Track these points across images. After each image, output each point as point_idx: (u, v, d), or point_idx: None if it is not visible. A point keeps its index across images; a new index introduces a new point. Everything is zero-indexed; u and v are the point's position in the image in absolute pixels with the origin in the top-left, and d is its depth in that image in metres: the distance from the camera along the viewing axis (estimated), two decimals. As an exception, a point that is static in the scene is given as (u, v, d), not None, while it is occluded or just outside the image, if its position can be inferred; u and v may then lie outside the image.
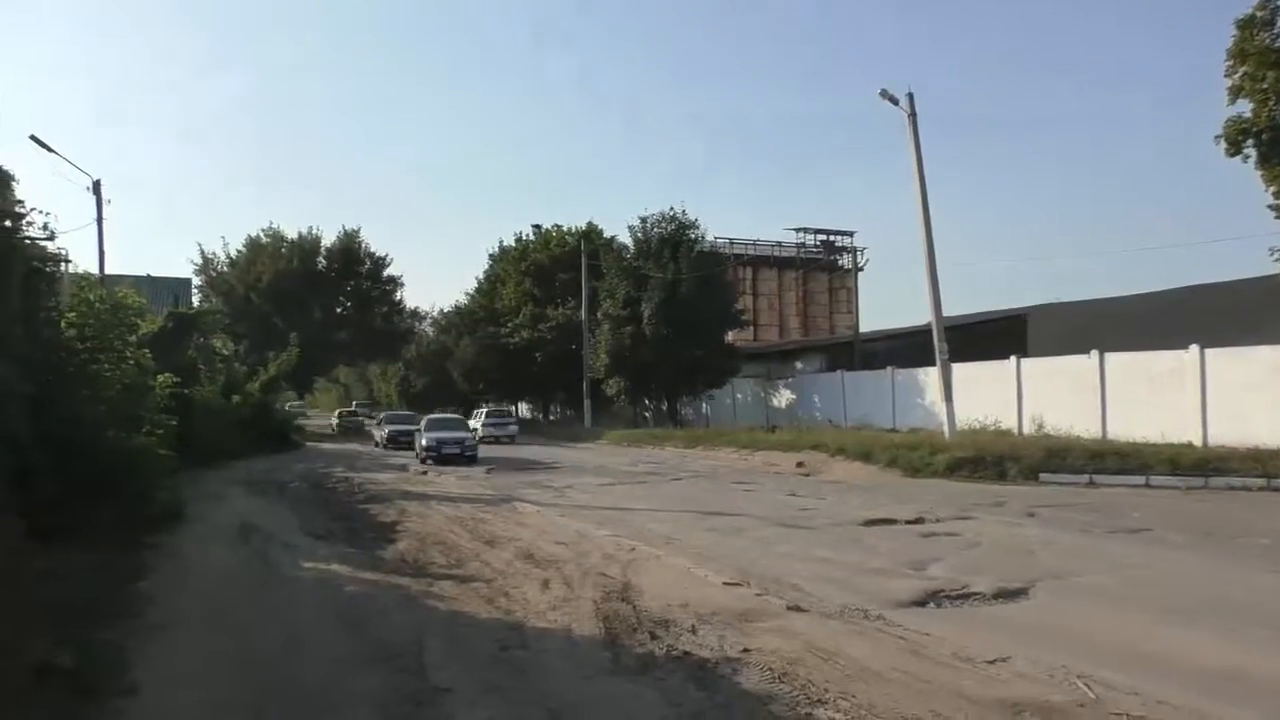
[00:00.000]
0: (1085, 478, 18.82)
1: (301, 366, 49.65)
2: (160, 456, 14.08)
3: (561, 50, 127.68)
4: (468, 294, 62.13)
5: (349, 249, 59.26)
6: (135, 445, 13.02)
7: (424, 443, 30.54)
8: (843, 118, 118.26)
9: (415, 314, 67.26)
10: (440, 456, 29.43)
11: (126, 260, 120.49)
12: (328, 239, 59.14)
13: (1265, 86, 17.25)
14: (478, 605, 8.93)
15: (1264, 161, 17.79)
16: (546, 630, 7.96)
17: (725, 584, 9.57)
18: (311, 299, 56.11)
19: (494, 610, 8.71)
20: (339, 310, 60.20)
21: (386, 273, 61.25)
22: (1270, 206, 17.97)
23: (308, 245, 58.15)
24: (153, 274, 42.94)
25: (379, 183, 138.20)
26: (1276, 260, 18.51)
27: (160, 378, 16.38)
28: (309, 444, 40.40)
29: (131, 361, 14.00)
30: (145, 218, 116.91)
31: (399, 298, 62.82)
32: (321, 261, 58.84)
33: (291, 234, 58.34)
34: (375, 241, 68.17)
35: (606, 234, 50.70)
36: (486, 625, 8.19)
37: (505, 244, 57.99)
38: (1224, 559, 10.90)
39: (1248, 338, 22.74)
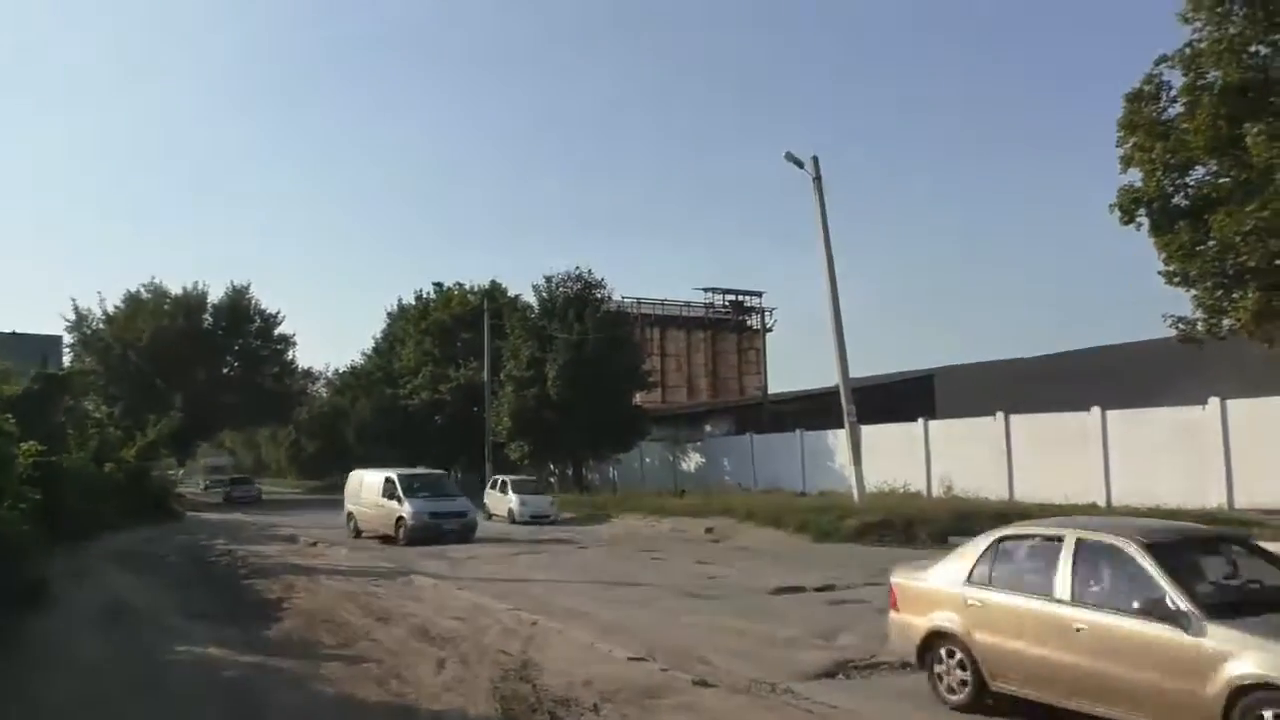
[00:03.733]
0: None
1: (184, 430, 47.64)
2: (21, 532, 13.02)
3: (464, 104, 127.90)
4: (364, 354, 60.84)
5: (237, 306, 56.53)
6: (-6, 520, 12.03)
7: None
8: (750, 178, 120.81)
9: (308, 374, 65.00)
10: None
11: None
12: (214, 295, 56.16)
13: (1154, 157, 18.04)
14: (368, 688, 8.45)
15: (1155, 230, 18.51)
16: (440, 713, 7.60)
17: (630, 659, 9.25)
18: (196, 358, 52.96)
19: (385, 693, 8.26)
20: (225, 370, 56.99)
21: (278, 331, 58.20)
22: (1161, 273, 18.66)
23: (192, 301, 55.05)
24: (19, 331, 40.31)
25: (269, 237, 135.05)
26: (1170, 325, 19.16)
27: (24, 446, 15.26)
28: (190, 514, 38.43)
29: (-8, 428, 13.02)
30: (10, 270, 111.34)
31: (290, 357, 59.83)
32: (207, 319, 55.77)
33: (175, 289, 55.44)
34: (266, 298, 65.04)
35: (510, 293, 50.32)
36: (376, 710, 7.78)
37: (404, 302, 56.95)
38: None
39: (1149, 399, 23.47)
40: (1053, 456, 23.22)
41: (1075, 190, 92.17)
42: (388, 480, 25.10)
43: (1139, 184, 18.55)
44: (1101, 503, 21.13)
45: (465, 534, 23.93)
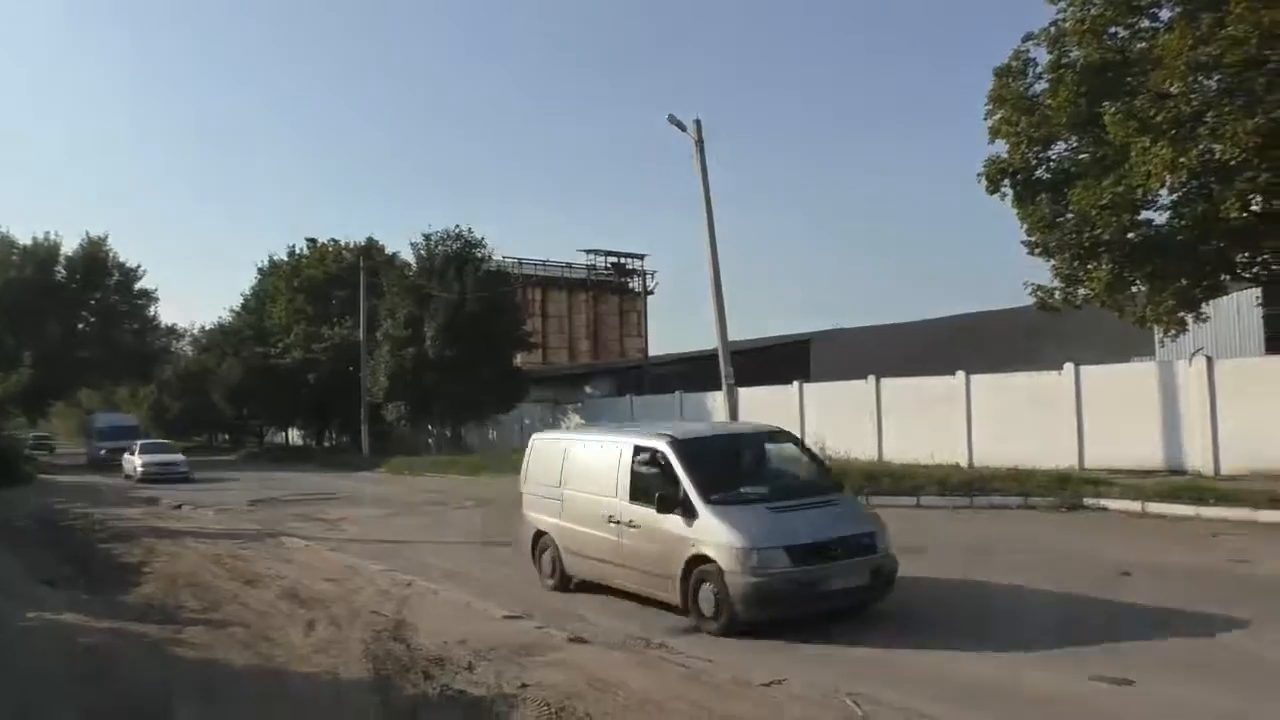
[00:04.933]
0: (862, 498, 19.58)
1: (36, 388, 45.19)
2: None
3: (340, 60, 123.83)
4: (232, 311, 58.40)
5: (93, 258, 53.23)
6: None
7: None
8: (633, 139, 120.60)
9: (172, 331, 61.79)
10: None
11: None
12: (68, 246, 52.90)
13: (1019, 130, 18.64)
14: (234, 652, 8.25)
15: (1019, 201, 19.20)
16: (311, 675, 7.47)
17: (506, 617, 9.25)
18: (48, 312, 49.77)
19: (253, 656, 8.08)
20: (81, 326, 53.96)
21: (139, 285, 55.38)
22: (1023, 242, 19.39)
23: (42, 253, 51.64)
24: None
25: (130, 186, 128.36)
26: (1030, 294, 19.97)
27: None
28: (44, 476, 36.39)
29: None
30: None
31: (153, 313, 56.90)
32: (60, 272, 52.58)
33: (24, 239, 52.19)
34: (125, 251, 61.39)
35: (388, 250, 49.07)
36: (243, 674, 7.61)
37: (276, 258, 54.80)
38: (988, 574, 11.46)
39: (1013, 364, 24.48)
40: (920, 419, 24.06)
41: (950, 160, 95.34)
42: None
43: (1005, 156, 19.21)
44: (964, 463, 22.04)
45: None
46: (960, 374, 23.71)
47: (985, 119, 19.48)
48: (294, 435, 60.59)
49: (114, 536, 16.97)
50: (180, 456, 37.22)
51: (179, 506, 23.35)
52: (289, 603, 10.28)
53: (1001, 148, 19.25)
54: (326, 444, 55.68)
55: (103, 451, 44.06)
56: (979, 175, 19.60)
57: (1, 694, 7.13)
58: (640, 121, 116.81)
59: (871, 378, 26.04)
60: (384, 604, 10.01)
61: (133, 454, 36.38)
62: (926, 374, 25.39)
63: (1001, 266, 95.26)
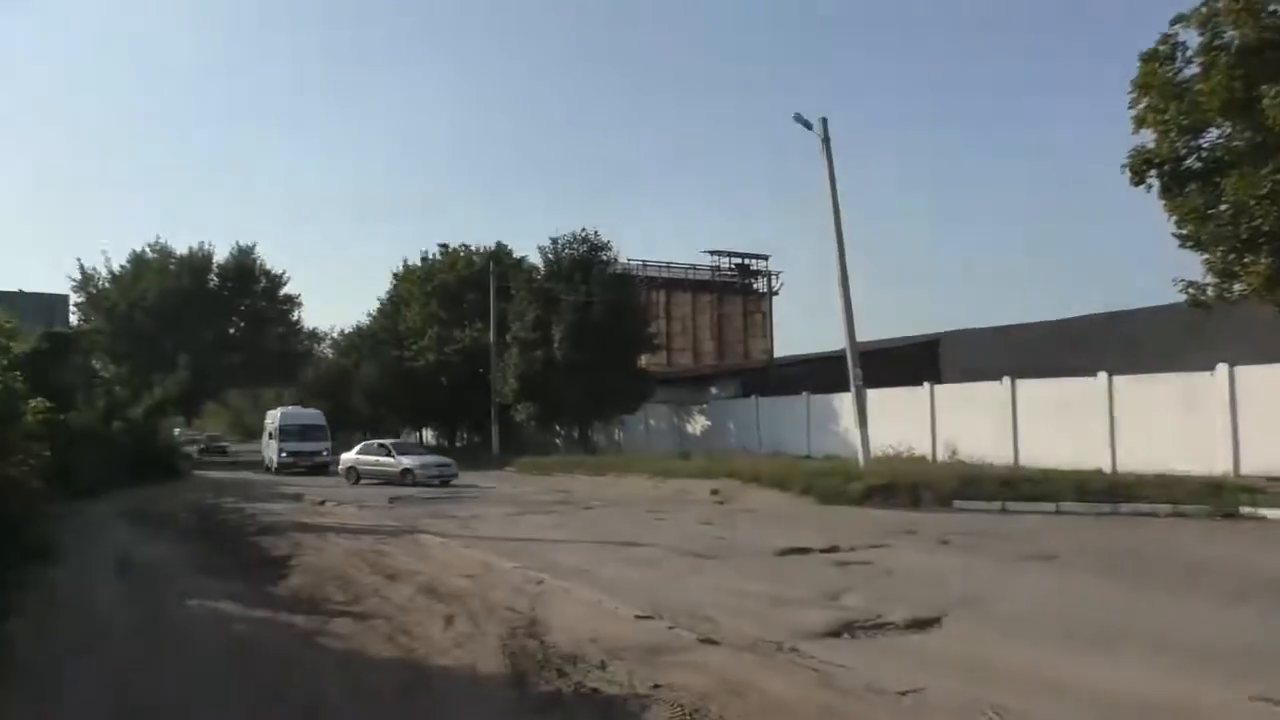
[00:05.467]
0: (998, 505, 19.00)
1: (191, 390, 47.67)
2: (30, 488, 13.08)
3: (470, 64, 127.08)
4: (370, 315, 60.65)
5: (243, 266, 56.67)
6: (1, 476, 12.06)
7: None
8: (760, 139, 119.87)
9: (314, 335, 64.95)
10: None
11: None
12: (220, 255, 56.51)
13: (1167, 118, 17.82)
14: (377, 644, 8.52)
15: (1166, 192, 18.36)
16: (449, 669, 7.65)
17: (637, 617, 9.27)
18: (201, 319, 52.98)
19: (394, 649, 8.32)
20: (231, 331, 57.16)
21: (283, 291, 58.66)
22: (1174, 235, 18.51)
23: (198, 262, 55.22)
24: (24, 289, 40.23)
25: (277, 198, 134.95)
26: (1180, 290, 19.05)
27: (32, 403, 15.26)
28: (198, 472, 38.63)
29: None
30: (16, 229, 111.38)
31: (296, 318, 60.26)
32: (213, 279, 56.00)
33: (181, 249, 55.57)
34: (272, 258, 65.07)
35: (516, 255, 50.14)
36: (385, 665, 7.82)
37: (410, 263, 56.68)
38: (1132, 586, 10.97)
39: (1158, 365, 23.40)
40: (1059, 422, 23.20)
41: (1089, 150, 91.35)
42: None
43: (1151, 145, 18.35)
44: (1107, 468, 21.13)
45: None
46: (1102, 375, 22.73)
47: (1130, 107, 18.70)
48: (427, 435, 62.41)
49: (263, 530, 17.82)
50: (447, 459, 32.90)
51: (322, 503, 24.37)
52: (427, 598, 10.55)
53: (1147, 137, 18.46)
54: (458, 444, 57.21)
55: (284, 454, 39.20)
56: (1123, 166, 18.80)
57: (166, 675, 7.59)
58: (765, 120, 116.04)
59: (1007, 379, 25.22)
60: (518, 601, 10.19)
61: (390, 454, 31.90)
62: (1064, 375, 24.42)
63: (1145, 262, 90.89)
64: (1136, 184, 18.64)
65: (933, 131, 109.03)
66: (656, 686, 6.83)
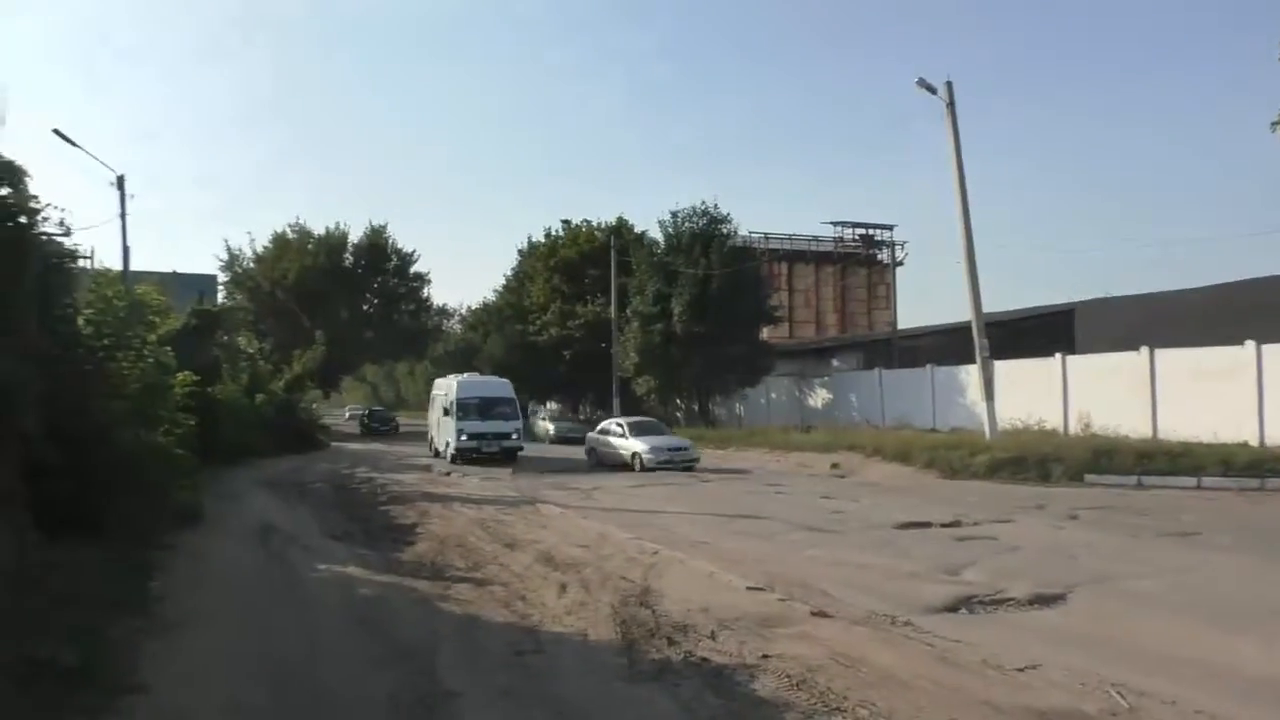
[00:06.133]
0: (1134, 479, 18.22)
1: (328, 365, 49.62)
2: (177, 456, 13.90)
3: (591, 42, 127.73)
4: (496, 291, 61.69)
5: (376, 245, 58.77)
6: (151, 444, 12.85)
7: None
8: (881, 105, 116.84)
9: (443, 311, 66.73)
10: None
11: (158, 256, 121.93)
12: (355, 235, 58.68)
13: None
14: (494, 608, 8.76)
15: (1316, 149, 17.13)
16: (562, 635, 7.80)
17: (749, 589, 9.27)
18: (338, 296, 55.43)
19: (510, 614, 8.53)
20: (365, 308, 59.35)
21: (414, 269, 60.64)
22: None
23: (334, 241, 57.51)
24: (179, 270, 42.56)
25: (408, 177, 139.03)
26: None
27: (180, 376, 16.18)
28: (334, 444, 40.26)
29: (151, 359, 13.83)
30: (177, 212, 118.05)
31: (426, 295, 62.21)
32: (348, 258, 58.23)
33: (318, 230, 57.93)
34: (403, 237, 67.64)
35: (637, 229, 50.22)
36: (501, 629, 8.03)
37: (534, 240, 57.39)
38: (1276, 564, 10.39)
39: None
40: (1200, 393, 21.91)
41: (1233, 108, 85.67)
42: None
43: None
44: (1254, 441, 19.92)
45: None
46: (1250, 344, 21.37)
47: (1280, 59, 17.42)
48: (551, 408, 63.51)
49: (392, 499, 18.49)
50: (684, 441, 28.02)
51: (449, 473, 25.13)
52: (544, 566, 10.78)
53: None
54: (581, 417, 58.04)
55: (464, 437, 28.95)
56: (1274, 124, 17.58)
57: (297, 634, 7.98)
58: (887, 84, 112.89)
59: (1144, 349, 24.00)
60: (632, 570, 10.31)
61: (625, 434, 27.54)
62: (1207, 344, 23.09)
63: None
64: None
65: (1066, 90, 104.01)
66: (765, 657, 6.83)
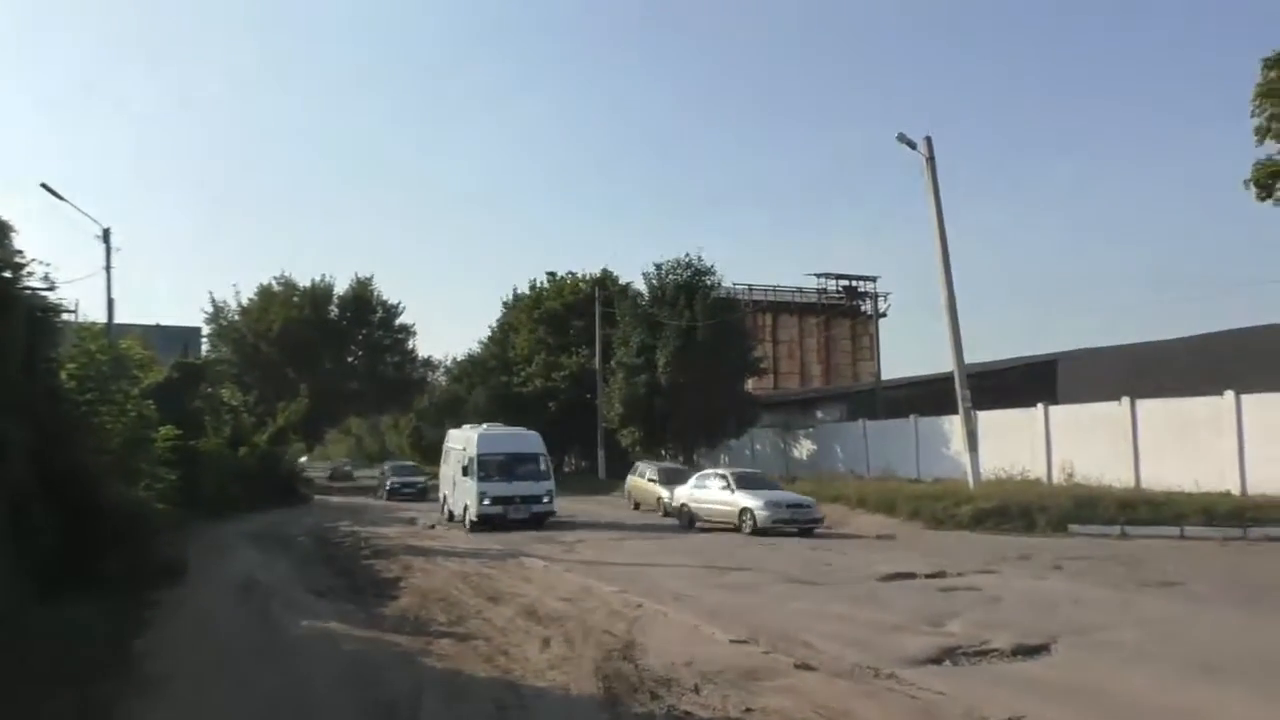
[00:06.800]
0: (1117, 529, 18.31)
1: (312, 417, 49.43)
2: (157, 511, 13.83)
3: (566, 95, 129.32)
4: (480, 342, 61.84)
5: (361, 297, 59.04)
6: (133, 499, 12.80)
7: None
8: (862, 158, 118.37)
9: (428, 363, 66.64)
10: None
11: (141, 308, 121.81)
12: (340, 287, 58.95)
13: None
14: (476, 664, 8.68)
15: (1295, 204, 17.48)
16: (544, 690, 7.74)
17: (732, 642, 9.26)
18: (322, 348, 55.61)
19: (492, 669, 8.47)
20: (350, 360, 59.53)
21: (399, 321, 60.89)
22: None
23: (319, 293, 57.73)
24: (163, 323, 42.62)
25: (392, 231, 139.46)
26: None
27: (162, 430, 16.14)
28: (317, 497, 40.02)
29: (133, 413, 13.83)
30: (160, 266, 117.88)
31: (411, 346, 62.33)
32: (333, 310, 58.47)
33: (304, 282, 58.13)
34: (387, 289, 68.20)
35: (621, 280, 50.54)
36: (484, 684, 7.96)
37: (519, 291, 57.72)
38: (1260, 614, 10.44)
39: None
40: (1182, 443, 22.11)
41: (1207, 163, 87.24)
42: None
43: (1277, 157, 17.49)
44: (1235, 490, 20.07)
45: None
46: (1229, 394, 21.60)
47: (1252, 116, 17.86)
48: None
49: (375, 553, 18.36)
50: (805, 499, 23.08)
51: (433, 526, 24.96)
52: (527, 620, 10.72)
53: (1273, 148, 17.57)
54: (566, 469, 57.83)
55: (487, 501, 24.03)
56: (1246, 181, 17.95)
57: (282, 692, 7.92)
58: (867, 137, 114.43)
59: (1125, 399, 24.21)
60: (615, 624, 10.26)
61: (729, 487, 23.38)
62: (1188, 394, 23.33)
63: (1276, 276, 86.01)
64: (1263, 199, 17.80)
65: (1044, 146, 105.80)
66: (749, 710, 6.82)
